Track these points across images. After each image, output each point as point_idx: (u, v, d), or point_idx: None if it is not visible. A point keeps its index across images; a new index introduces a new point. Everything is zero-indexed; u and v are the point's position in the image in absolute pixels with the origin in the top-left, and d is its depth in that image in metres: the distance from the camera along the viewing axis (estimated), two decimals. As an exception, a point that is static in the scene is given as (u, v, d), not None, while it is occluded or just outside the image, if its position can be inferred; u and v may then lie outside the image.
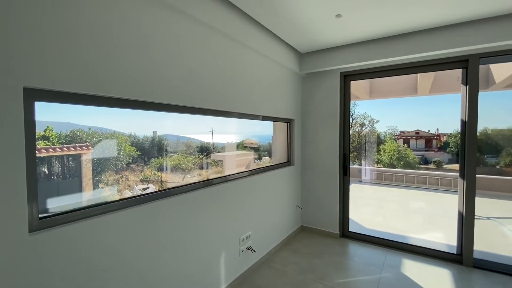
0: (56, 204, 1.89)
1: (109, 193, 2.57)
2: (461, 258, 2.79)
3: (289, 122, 3.60)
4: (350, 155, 3.57)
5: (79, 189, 2.26)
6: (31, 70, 1.13)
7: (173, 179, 3.41)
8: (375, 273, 2.65)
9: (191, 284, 1.99)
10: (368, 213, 5.00)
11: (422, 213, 5.20)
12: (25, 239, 1.13)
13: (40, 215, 1.22)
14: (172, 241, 1.84)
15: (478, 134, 2.70)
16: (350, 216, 3.55)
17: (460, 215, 2.81)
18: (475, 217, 2.71)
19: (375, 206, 5.69)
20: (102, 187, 2.51)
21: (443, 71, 3.14)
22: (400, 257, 2.97)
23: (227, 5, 2.18)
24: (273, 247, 3.11)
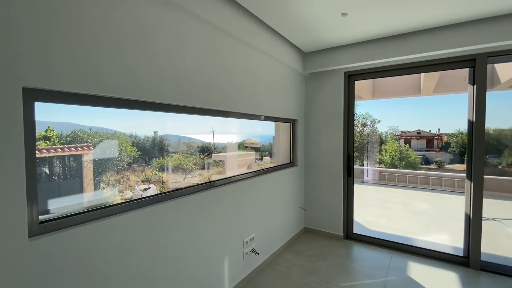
0: (57, 205, 1.86)
1: (110, 194, 2.53)
2: (468, 260, 2.74)
3: (292, 122, 3.55)
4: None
5: (80, 189, 2.22)
6: (30, 70, 1.09)
7: (174, 179, 3.37)
8: (381, 276, 2.60)
9: (194, 287, 1.96)
10: (372, 214, 4.94)
11: (426, 214, 5.14)
12: (25, 244, 1.09)
13: (41, 218, 1.18)
14: (175, 243, 1.80)
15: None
16: (353, 218, 3.50)
17: (467, 217, 2.76)
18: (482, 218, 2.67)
19: (379, 207, 5.63)
20: (103, 188, 2.48)
21: (447, 71, 3.09)
22: (406, 259, 2.92)
23: (232, 4, 2.14)
24: (276, 249, 3.07)
